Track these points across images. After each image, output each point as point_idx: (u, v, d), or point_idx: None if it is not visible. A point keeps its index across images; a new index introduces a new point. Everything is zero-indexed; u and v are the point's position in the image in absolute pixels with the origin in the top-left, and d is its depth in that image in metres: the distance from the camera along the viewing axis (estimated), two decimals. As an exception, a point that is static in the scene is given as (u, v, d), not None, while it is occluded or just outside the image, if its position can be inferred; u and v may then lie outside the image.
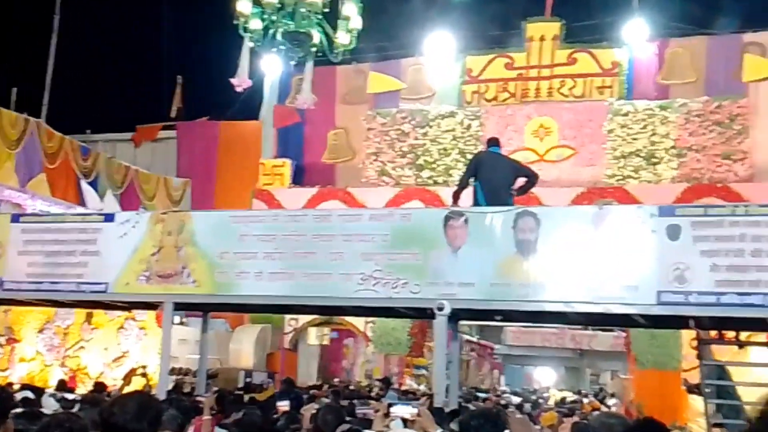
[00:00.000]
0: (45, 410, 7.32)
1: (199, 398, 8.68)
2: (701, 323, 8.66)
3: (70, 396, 8.51)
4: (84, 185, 18.63)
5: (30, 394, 8.62)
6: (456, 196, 10.05)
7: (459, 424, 4.92)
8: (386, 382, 19.17)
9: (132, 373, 16.76)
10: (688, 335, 14.31)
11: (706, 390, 9.44)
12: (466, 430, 4.37)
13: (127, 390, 12.79)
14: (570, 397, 23.74)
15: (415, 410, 4.78)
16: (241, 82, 12.79)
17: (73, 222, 10.29)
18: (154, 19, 24.42)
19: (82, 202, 18.20)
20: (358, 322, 19.15)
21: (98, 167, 19.40)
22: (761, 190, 16.74)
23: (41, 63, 19.10)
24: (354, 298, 8.87)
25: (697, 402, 12.60)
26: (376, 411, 7.91)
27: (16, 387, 10.21)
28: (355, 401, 12.13)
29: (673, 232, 7.71)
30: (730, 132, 18.59)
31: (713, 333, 9.47)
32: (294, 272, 8.97)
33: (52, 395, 8.45)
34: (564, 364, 36.02)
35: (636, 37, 19.88)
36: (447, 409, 7.46)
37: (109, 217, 10.24)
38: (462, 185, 10.07)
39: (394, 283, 8.53)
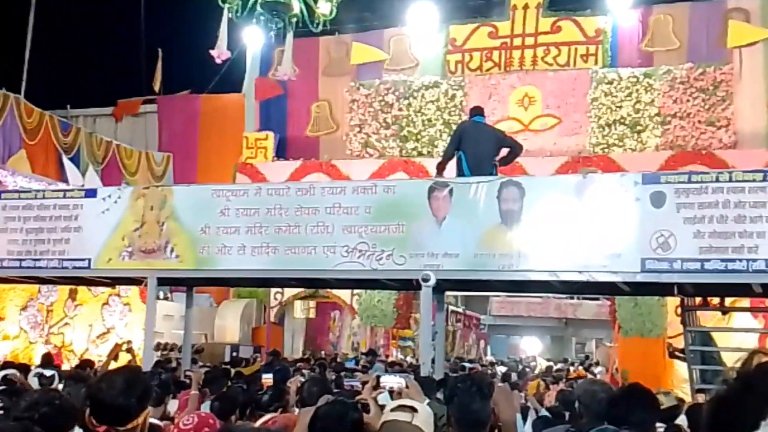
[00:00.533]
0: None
1: (188, 373, 8.64)
2: (685, 290, 8.69)
3: (47, 372, 8.42)
4: (65, 161, 18.50)
5: (15, 372, 8.58)
6: (441, 168, 9.99)
7: (446, 390, 4.89)
8: (372, 354, 19.22)
9: (117, 348, 16.63)
10: (672, 302, 14.41)
11: (690, 356, 9.49)
12: (453, 395, 4.35)
13: (112, 366, 12.73)
14: (556, 366, 23.87)
15: (403, 381, 4.75)
16: (220, 53, 12.68)
17: (54, 198, 10.18)
18: (133, -8, 24.10)
19: (63, 178, 18.06)
20: (343, 294, 19.15)
21: (79, 142, 19.26)
22: (745, 157, 16.76)
23: (20, 38, 18.86)
24: (338, 271, 8.83)
25: (681, 368, 12.67)
26: (364, 383, 7.91)
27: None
28: (342, 374, 12.14)
29: (657, 200, 7.70)
30: (714, 99, 18.59)
31: (697, 300, 9.51)
32: (277, 246, 8.92)
33: (38, 374, 8.37)
34: (549, 333, 36.23)
35: (619, 5, 19.80)
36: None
37: (90, 193, 10.15)
38: (447, 156, 10.00)
39: (379, 255, 8.50)
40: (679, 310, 9.86)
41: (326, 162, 20.36)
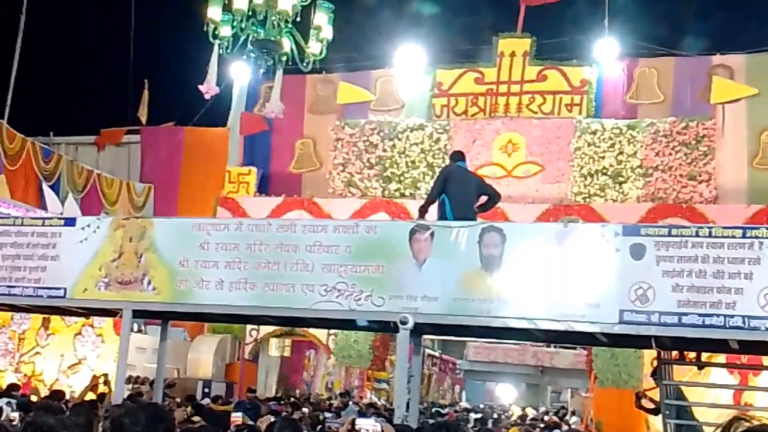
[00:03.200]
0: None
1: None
2: (662, 343, 8.66)
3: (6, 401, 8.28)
4: (45, 188, 18.38)
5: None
6: (423, 210, 9.99)
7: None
8: (346, 396, 19.06)
9: (95, 380, 16.47)
10: (649, 355, 14.38)
11: (666, 410, 9.44)
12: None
13: (89, 398, 12.56)
14: (531, 413, 23.74)
15: (379, 426, 4.69)
16: (208, 89, 12.65)
17: (32, 225, 10.07)
18: (122, 23, 24.15)
19: (42, 206, 17.93)
20: (320, 334, 19.03)
21: (60, 170, 19.16)
22: (725, 212, 16.89)
23: (6, 64, 18.82)
24: (316, 310, 8.75)
25: (656, 421, 12.61)
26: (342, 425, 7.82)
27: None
28: (326, 414, 12.03)
29: (637, 252, 7.70)
30: (696, 153, 18.76)
31: (674, 353, 9.49)
32: (256, 282, 8.84)
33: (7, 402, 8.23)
34: (525, 380, 36.10)
35: (605, 56, 20.03)
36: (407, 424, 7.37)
37: (69, 222, 10.04)
38: (431, 199, 10.01)
39: (358, 296, 8.44)
40: (655, 363, 9.80)
41: (308, 199, 20.32)
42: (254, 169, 21.61)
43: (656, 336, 8.04)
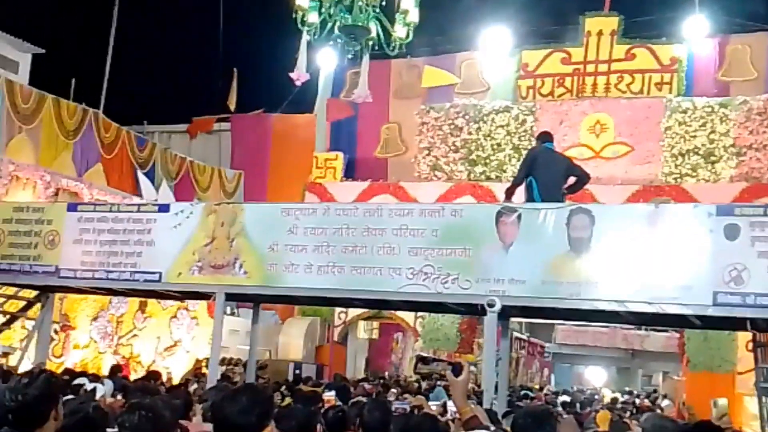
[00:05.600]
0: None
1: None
2: (758, 325, 8.49)
3: (90, 386, 8.52)
4: (140, 175, 18.90)
5: (86, 381, 8.76)
6: (510, 193, 9.95)
7: (512, 422, 4.87)
8: (433, 378, 19.15)
9: (198, 363, 16.96)
10: (743, 337, 14.07)
11: (762, 396, 9.24)
12: (517, 427, 4.33)
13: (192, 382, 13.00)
14: (622, 398, 23.47)
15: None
16: (299, 76, 12.80)
17: (128, 212, 10.38)
18: (211, 12, 24.57)
19: (137, 192, 18.45)
20: (407, 317, 19.13)
21: (154, 158, 19.68)
22: (822, 191, 16.35)
23: (100, 55, 19.37)
24: (403, 293, 8.82)
25: (751, 404, 12.36)
26: (415, 407, 7.86)
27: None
28: (390, 397, 12.08)
29: (731, 232, 7.56)
30: (792, 130, 18.18)
31: (771, 336, 9.29)
32: (344, 265, 8.96)
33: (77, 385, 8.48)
34: (615, 364, 35.63)
35: (695, 33, 19.54)
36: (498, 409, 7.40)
37: (163, 208, 10.33)
38: (517, 181, 9.94)
39: (444, 279, 8.48)
40: (750, 346, 9.61)
41: (394, 184, 20.42)
42: (341, 155, 21.81)
43: (752, 318, 7.89)
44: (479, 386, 13.78)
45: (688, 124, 18.73)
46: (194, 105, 25.68)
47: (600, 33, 20.32)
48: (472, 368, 24.23)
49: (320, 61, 21.34)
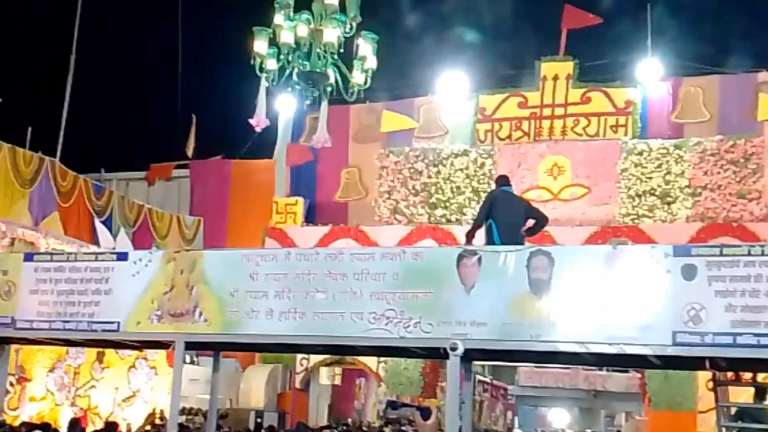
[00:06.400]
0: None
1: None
2: (717, 364, 8.54)
3: None
4: (97, 223, 18.68)
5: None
6: (470, 235, 9.98)
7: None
8: (397, 423, 19.01)
9: (152, 416, 16.69)
10: (703, 376, 14.18)
11: (724, 432, 9.28)
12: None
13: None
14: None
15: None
16: (259, 121, 12.82)
17: (85, 260, 10.22)
18: (169, 59, 24.59)
19: (95, 241, 18.23)
20: (369, 361, 19.03)
21: (112, 205, 19.49)
22: (777, 230, 16.62)
23: (57, 102, 19.24)
24: (366, 338, 8.76)
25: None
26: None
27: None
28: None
29: (689, 272, 7.62)
30: (745, 171, 18.54)
31: (730, 374, 9.35)
32: (305, 311, 8.88)
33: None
34: (578, 404, 35.62)
35: (649, 76, 19.93)
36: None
37: (121, 256, 10.18)
38: (477, 224, 9.99)
39: (407, 323, 8.43)
40: (710, 384, 9.67)
41: (355, 228, 20.44)
42: (301, 199, 21.80)
43: (711, 357, 7.94)
44: (442, 431, 13.71)
45: (644, 165, 19.02)
46: (152, 152, 25.59)
47: (555, 77, 20.63)
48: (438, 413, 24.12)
49: (279, 106, 21.43)
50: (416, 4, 27.00)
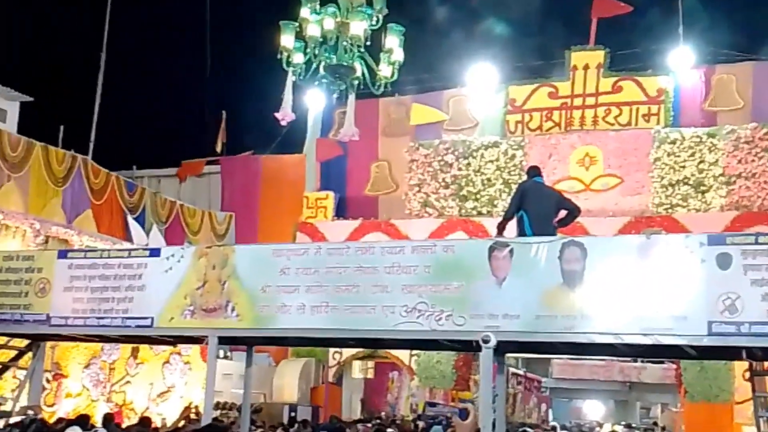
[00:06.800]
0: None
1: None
2: (754, 354, 8.43)
3: None
4: (130, 220, 18.83)
5: (78, 429, 8.65)
6: (501, 227, 9.92)
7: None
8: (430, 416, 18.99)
9: (187, 411, 16.77)
10: (740, 367, 14.00)
11: (760, 425, 9.17)
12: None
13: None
14: (621, 430, 23.31)
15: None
16: (284, 115, 12.78)
17: (118, 257, 10.30)
18: (199, 56, 24.71)
19: (128, 237, 18.37)
20: (402, 355, 19.02)
21: (144, 202, 19.63)
22: (813, 218, 16.38)
23: (88, 101, 19.39)
24: (397, 331, 8.74)
25: (751, 435, 12.25)
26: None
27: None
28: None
29: (724, 261, 7.53)
30: (780, 158, 18.27)
31: (767, 364, 9.23)
32: (337, 305, 8.88)
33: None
34: (613, 397, 35.43)
35: (681, 65, 19.73)
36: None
37: (154, 252, 10.25)
38: (508, 216, 9.93)
39: (438, 316, 8.41)
40: (746, 375, 9.55)
41: (385, 221, 20.43)
42: (331, 194, 21.83)
43: (747, 347, 7.84)
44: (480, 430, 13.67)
45: (677, 154, 18.82)
46: (183, 148, 25.78)
47: (586, 67, 20.47)
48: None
49: (309, 101, 21.48)
50: (444, -4, 26.94)
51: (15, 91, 17.94)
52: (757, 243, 7.53)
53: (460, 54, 22.32)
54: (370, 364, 21.81)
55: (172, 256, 9.90)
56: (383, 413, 21.79)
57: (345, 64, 11.67)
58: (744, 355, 8.29)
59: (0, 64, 19.18)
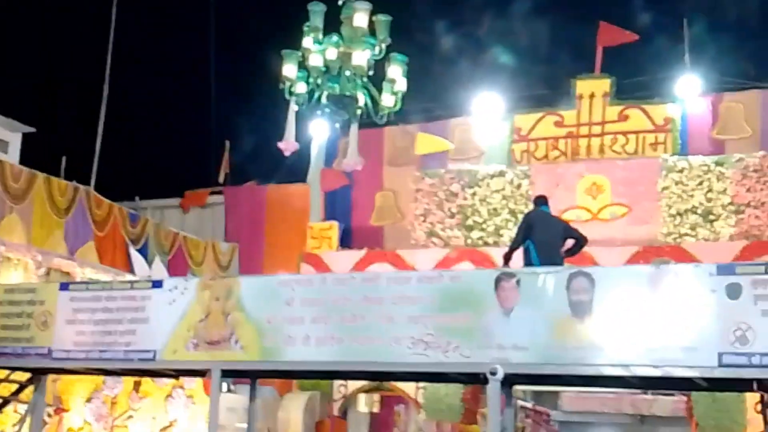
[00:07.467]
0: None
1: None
2: (765, 386, 8.32)
3: None
4: (132, 252, 18.71)
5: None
6: (508, 257, 9.86)
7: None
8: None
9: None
10: (752, 398, 13.81)
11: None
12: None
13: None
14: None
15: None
16: (288, 146, 12.73)
17: (121, 289, 10.25)
18: (202, 86, 24.80)
19: (130, 269, 18.26)
20: (408, 387, 18.82)
21: (147, 233, 19.52)
22: (823, 247, 16.24)
23: (91, 131, 19.38)
24: (404, 363, 8.64)
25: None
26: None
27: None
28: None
29: (734, 291, 7.44)
30: (790, 187, 18.16)
31: (779, 396, 9.09)
32: (342, 337, 8.79)
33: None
34: (623, 430, 35.00)
35: (688, 93, 19.64)
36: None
37: (157, 284, 10.19)
38: (515, 246, 9.89)
39: (445, 347, 8.30)
40: (758, 407, 9.41)
41: (391, 252, 20.29)
42: (336, 224, 21.72)
43: (758, 379, 7.72)
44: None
45: (685, 183, 18.70)
46: (187, 178, 25.70)
47: (592, 95, 20.42)
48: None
49: (312, 130, 21.43)
50: (449, 26, 27.03)
51: (17, 121, 17.94)
52: (767, 273, 7.44)
53: (466, 83, 22.31)
54: (376, 397, 21.58)
55: (176, 287, 9.83)
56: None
57: (348, 94, 11.63)
58: (755, 386, 8.18)
59: (2, 95, 19.18)
